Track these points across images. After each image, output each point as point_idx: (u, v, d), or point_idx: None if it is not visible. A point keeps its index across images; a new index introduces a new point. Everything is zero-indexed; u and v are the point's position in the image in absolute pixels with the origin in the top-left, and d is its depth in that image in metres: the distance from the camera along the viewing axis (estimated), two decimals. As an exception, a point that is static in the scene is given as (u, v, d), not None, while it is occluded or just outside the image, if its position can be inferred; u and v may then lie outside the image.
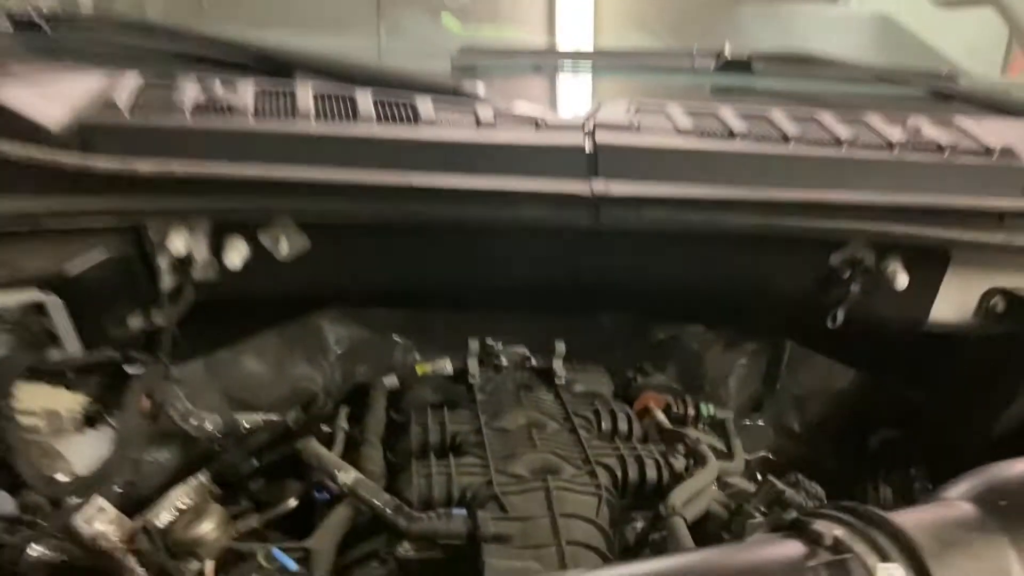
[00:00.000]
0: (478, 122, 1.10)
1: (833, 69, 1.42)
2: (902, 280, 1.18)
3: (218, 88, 1.11)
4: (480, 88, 1.19)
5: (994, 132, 1.24)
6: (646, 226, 1.09)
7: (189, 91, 1.10)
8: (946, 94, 1.43)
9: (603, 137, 1.10)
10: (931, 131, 1.20)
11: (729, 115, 1.19)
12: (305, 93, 1.13)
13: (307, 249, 1.12)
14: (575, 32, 1.77)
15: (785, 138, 1.15)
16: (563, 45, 1.63)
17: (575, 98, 1.41)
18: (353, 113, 1.09)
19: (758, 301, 1.27)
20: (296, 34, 1.71)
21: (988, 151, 1.18)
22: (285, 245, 1.11)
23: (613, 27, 1.85)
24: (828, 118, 1.21)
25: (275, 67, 1.25)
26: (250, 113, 1.07)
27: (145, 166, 1.01)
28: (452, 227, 1.11)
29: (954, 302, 1.22)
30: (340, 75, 1.22)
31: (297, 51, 1.25)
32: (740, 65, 1.38)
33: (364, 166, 1.04)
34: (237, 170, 1.02)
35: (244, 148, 1.05)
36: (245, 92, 1.12)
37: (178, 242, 1.07)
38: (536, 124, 1.11)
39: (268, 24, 1.84)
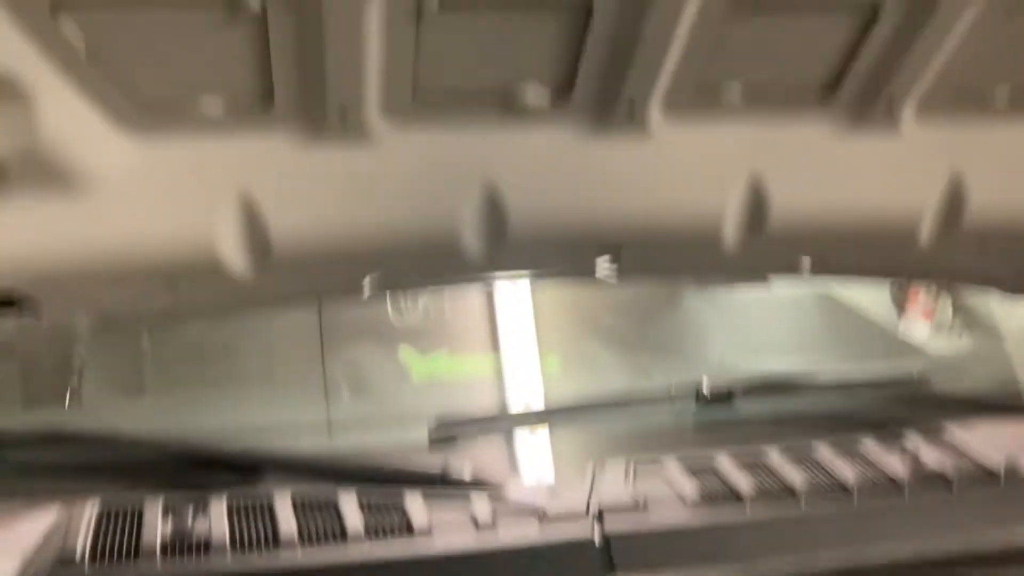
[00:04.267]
0: (476, 524, 1.03)
1: (813, 389, 1.42)
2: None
3: (188, 516, 1.02)
4: (467, 472, 1.13)
5: (987, 441, 1.23)
6: None
7: (157, 523, 1.00)
8: (917, 399, 1.44)
9: (613, 524, 1.04)
10: (930, 456, 1.19)
11: (729, 467, 1.15)
12: (284, 507, 1.05)
13: None
14: (520, 347, 1.76)
15: (792, 493, 1.10)
16: (523, 379, 1.61)
17: (561, 456, 1.37)
18: (340, 529, 1.01)
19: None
20: (240, 395, 1.66)
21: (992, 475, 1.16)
22: None
23: (556, 335, 1.85)
24: (826, 453, 1.19)
25: (245, 468, 1.17)
26: (227, 546, 0.98)
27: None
28: None
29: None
30: (316, 474, 1.14)
31: (267, 453, 1.18)
32: (721, 397, 1.36)
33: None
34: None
35: None
36: (218, 515, 1.02)
37: None
38: (539, 517, 1.05)
39: (212, 386, 1.76)
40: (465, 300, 1.95)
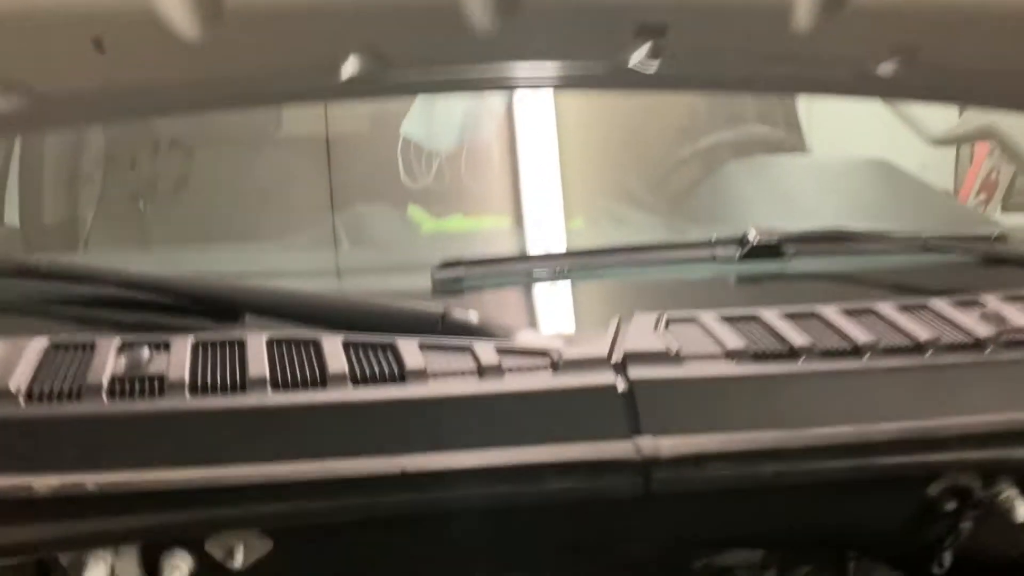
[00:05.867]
0: (480, 371, 0.87)
1: (873, 243, 1.24)
2: (1021, 510, 0.95)
3: (144, 355, 0.87)
4: (474, 317, 0.97)
5: None
6: (707, 486, 0.85)
7: (108, 361, 0.86)
8: (998, 259, 1.25)
9: (638, 372, 0.87)
10: (1017, 316, 1.00)
11: (776, 320, 0.98)
12: (257, 345, 0.90)
13: (268, 552, 0.86)
14: (545, 207, 1.59)
15: (856, 350, 0.93)
16: (545, 235, 1.43)
17: (583, 310, 1.19)
18: (320, 372, 0.85)
19: (842, 548, 1.03)
20: (242, 243, 1.51)
21: None
22: (240, 554, 0.85)
23: (583, 199, 1.68)
24: (890, 311, 1.01)
25: (220, 309, 1.02)
26: (186, 384, 0.83)
27: (45, 483, 0.75)
28: (454, 514, 0.86)
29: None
30: (299, 315, 0.99)
31: (243, 288, 1.02)
32: (768, 250, 1.18)
33: (340, 451, 0.79)
34: (172, 476, 0.77)
35: (179, 439, 0.80)
36: (179, 354, 0.88)
37: (98, 573, 0.80)
38: (554, 364, 0.88)
39: (212, 232, 1.65)
40: (483, 162, 1.78)
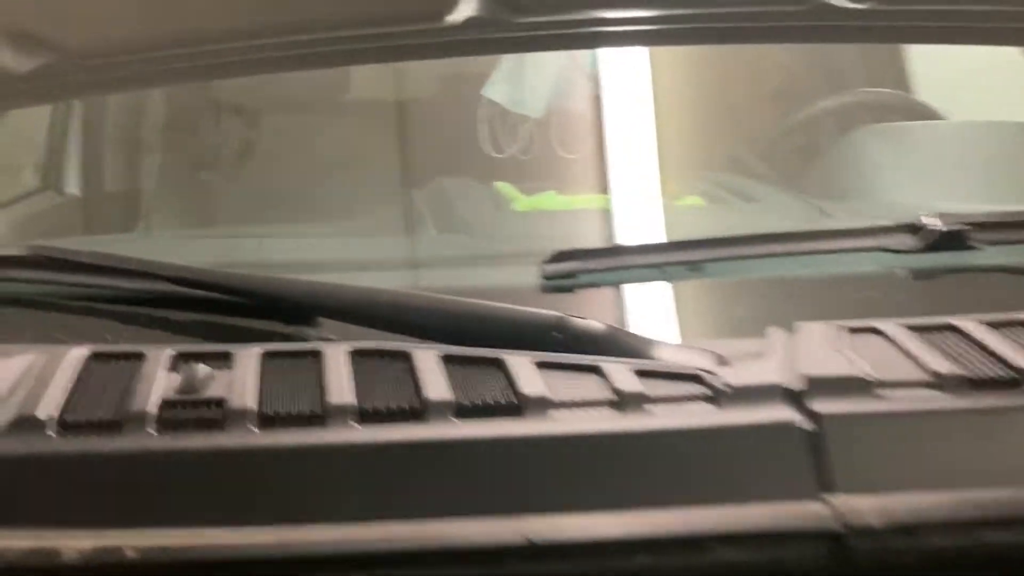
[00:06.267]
0: (619, 399, 0.68)
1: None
2: None
3: (203, 372, 0.70)
4: (600, 326, 0.78)
5: None
6: (923, 560, 0.65)
7: (156, 376, 0.69)
8: None
9: (826, 406, 0.67)
10: None
11: (982, 332, 0.77)
12: (337, 361, 0.72)
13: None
14: (651, 183, 1.38)
15: None
16: (661, 218, 1.22)
17: (724, 314, 0.99)
18: (417, 398, 0.68)
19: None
20: (307, 223, 1.35)
21: None
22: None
23: (695, 173, 1.47)
24: None
25: (290, 309, 0.86)
26: (252, 414, 0.66)
27: (75, 546, 0.59)
28: None
29: None
30: (382, 319, 0.81)
31: (318, 286, 0.85)
32: (952, 239, 0.96)
33: (443, 510, 0.61)
34: (229, 540, 0.60)
35: (240, 488, 0.63)
36: (245, 372, 0.71)
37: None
38: (711, 390, 0.69)
39: (277, 205, 1.49)
40: (579, 130, 1.59)
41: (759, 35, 1.05)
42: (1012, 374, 0.71)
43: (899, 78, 2.17)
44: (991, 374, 0.71)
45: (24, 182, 2.09)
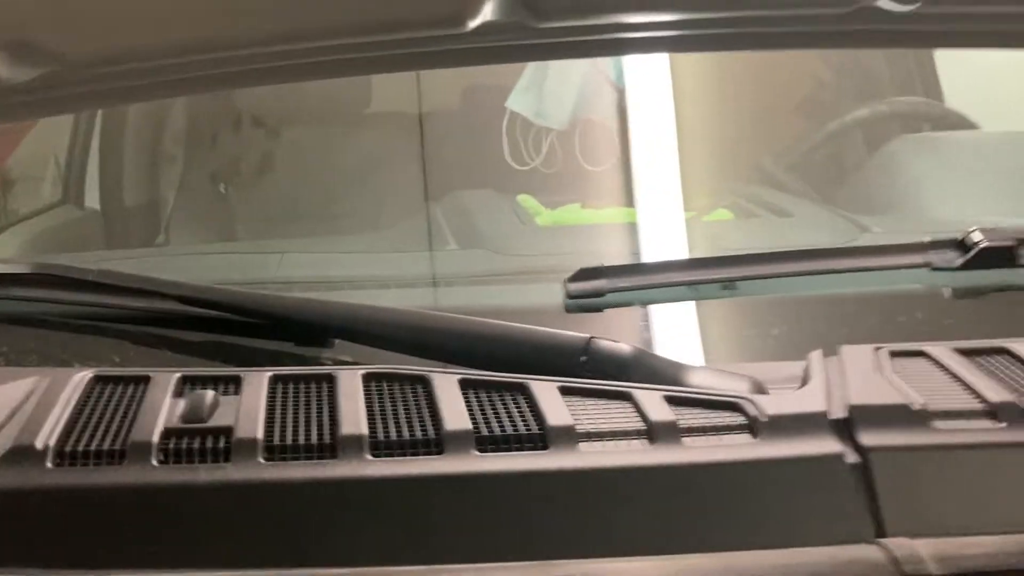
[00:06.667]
0: (650, 431, 0.64)
1: None
2: None
3: (210, 400, 0.67)
4: (628, 351, 0.73)
5: None
6: None
7: (162, 403, 0.66)
8: None
9: (874, 438, 0.63)
10: None
11: None
12: (350, 389, 0.68)
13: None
14: (676, 197, 1.34)
15: None
16: (688, 233, 1.17)
17: (760, 336, 0.94)
18: (434, 428, 0.64)
19: None
20: (327, 237, 1.32)
21: None
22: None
23: (721, 186, 1.42)
24: None
25: (304, 330, 0.82)
26: (260, 443, 0.62)
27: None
28: None
29: None
30: (402, 342, 0.77)
31: (335, 308, 0.81)
32: (1000, 255, 0.91)
33: (462, 552, 0.57)
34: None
35: (245, 525, 0.59)
36: (254, 399, 0.67)
37: None
38: (750, 420, 0.65)
39: (296, 220, 1.47)
40: (602, 142, 1.55)
41: (799, 40, 1.01)
42: None
43: (930, 86, 2.12)
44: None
45: (43, 195, 2.09)
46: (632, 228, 1.23)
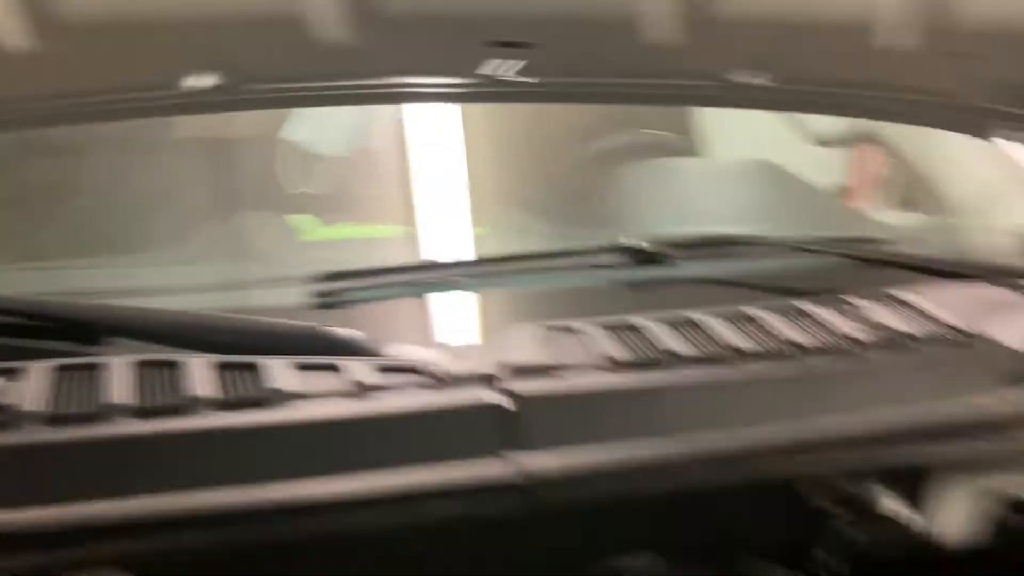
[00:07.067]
0: (356, 391, 0.84)
1: (753, 248, 1.25)
2: (894, 509, 0.97)
3: (-7, 383, 0.81)
4: (349, 333, 0.94)
5: (945, 305, 1.08)
6: (593, 502, 0.84)
7: None
8: (877, 260, 1.28)
9: (523, 387, 0.86)
10: (888, 317, 1.03)
11: (655, 327, 0.97)
12: (120, 370, 0.85)
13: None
14: (440, 215, 1.55)
15: (733, 355, 0.94)
16: (440, 245, 1.39)
17: (471, 322, 1.17)
18: (185, 397, 0.81)
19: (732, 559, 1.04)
20: (114, 256, 1.44)
21: (962, 337, 1.00)
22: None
23: (481, 206, 1.65)
24: (767, 316, 1.02)
25: (81, 332, 0.97)
26: (43, 414, 0.78)
27: None
28: (328, 546, 0.83)
29: (959, 521, 1.02)
30: (164, 336, 0.94)
31: (105, 309, 0.97)
32: (650, 257, 1.18)
33: (205, 483, 0.75)
34: (22, 517, 0.72)
35: (32, 474, 0.75)
36: (38, 378, 0.82)
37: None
38: (434, 381, 0.86)
39: (86, 243, 1.56)
40: (376, 166, 1.74)
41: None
42: (666, 356, 0.91)
43: (683, 118, 2.44)
44: (650, 357, 0.91)
45: None
46: (389, 241, 1.44)
